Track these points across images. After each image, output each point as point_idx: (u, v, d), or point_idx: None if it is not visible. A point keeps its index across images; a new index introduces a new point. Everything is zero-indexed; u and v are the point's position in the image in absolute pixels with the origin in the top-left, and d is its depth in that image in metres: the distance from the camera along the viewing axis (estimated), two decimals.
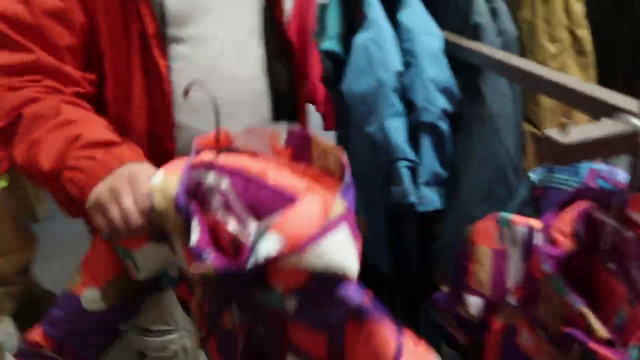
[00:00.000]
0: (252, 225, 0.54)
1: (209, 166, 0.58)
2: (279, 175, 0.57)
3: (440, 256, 1.00)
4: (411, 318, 1.13)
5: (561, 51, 1.16)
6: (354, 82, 0.89)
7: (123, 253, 0.68)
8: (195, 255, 0.52)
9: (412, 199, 0.89)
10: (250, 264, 0.48)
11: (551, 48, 1.16)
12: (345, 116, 1.08)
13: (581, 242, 0.64)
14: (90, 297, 0.71)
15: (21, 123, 0.67)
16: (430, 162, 0.90)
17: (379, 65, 0.86)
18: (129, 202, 0.59)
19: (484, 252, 0.79)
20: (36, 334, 0.73)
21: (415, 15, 0.89)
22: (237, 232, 0.55)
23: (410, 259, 1.07)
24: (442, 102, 0.87)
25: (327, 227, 0.48)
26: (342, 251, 0.50)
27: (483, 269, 0.79)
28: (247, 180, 0.57)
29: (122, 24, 0.73)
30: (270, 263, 0.48)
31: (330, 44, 0.97)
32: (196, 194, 0.57)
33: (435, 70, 0.86)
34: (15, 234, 1.24)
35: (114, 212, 0.60)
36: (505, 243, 0.77)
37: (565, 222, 0.67)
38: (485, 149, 0.90)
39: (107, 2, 0.72)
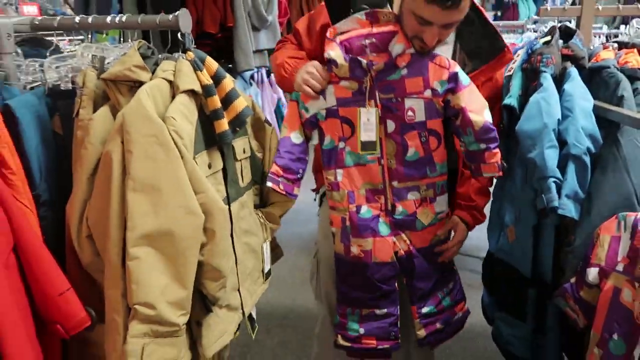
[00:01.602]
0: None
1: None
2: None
3: (570, 258, 1.35)
4: (540, 311, 1.47)
5: None
6: (525, 124, 1.35)
7: (301, 105, 1.41)
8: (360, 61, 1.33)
9: (556, 204, 1.27)
10: (395, 54, 1.30)
11: None
12: (509, 154, 1.53)
13: None
14: (295, 136, 1.42)
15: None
16: (572, 183, 1.29)
17: (545, 114, 1.31)
18: (318, 72, 1.36)
19: (605, 239, 1.16)
20: (273, 168, 1.41)
21: (576, 86, 1.34)
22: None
23: (546, 262, 1.43)
24: (587, 143, 1.28)
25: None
26: None
27: (603, 250, 1.16)
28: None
29: None
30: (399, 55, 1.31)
31: (511, 100, 1.44)
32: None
33: (585, 121, 1.29)
34: None
35: (310, 77, 1.36)
36: (621, 231, 1.14)
37: None
38: (616, 181, 1.27)
39: None
